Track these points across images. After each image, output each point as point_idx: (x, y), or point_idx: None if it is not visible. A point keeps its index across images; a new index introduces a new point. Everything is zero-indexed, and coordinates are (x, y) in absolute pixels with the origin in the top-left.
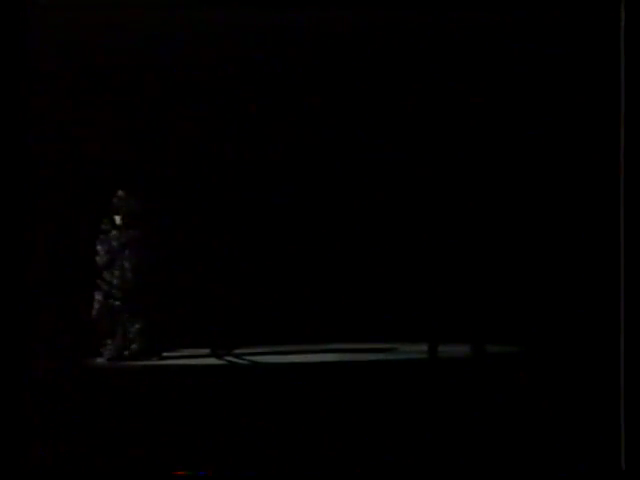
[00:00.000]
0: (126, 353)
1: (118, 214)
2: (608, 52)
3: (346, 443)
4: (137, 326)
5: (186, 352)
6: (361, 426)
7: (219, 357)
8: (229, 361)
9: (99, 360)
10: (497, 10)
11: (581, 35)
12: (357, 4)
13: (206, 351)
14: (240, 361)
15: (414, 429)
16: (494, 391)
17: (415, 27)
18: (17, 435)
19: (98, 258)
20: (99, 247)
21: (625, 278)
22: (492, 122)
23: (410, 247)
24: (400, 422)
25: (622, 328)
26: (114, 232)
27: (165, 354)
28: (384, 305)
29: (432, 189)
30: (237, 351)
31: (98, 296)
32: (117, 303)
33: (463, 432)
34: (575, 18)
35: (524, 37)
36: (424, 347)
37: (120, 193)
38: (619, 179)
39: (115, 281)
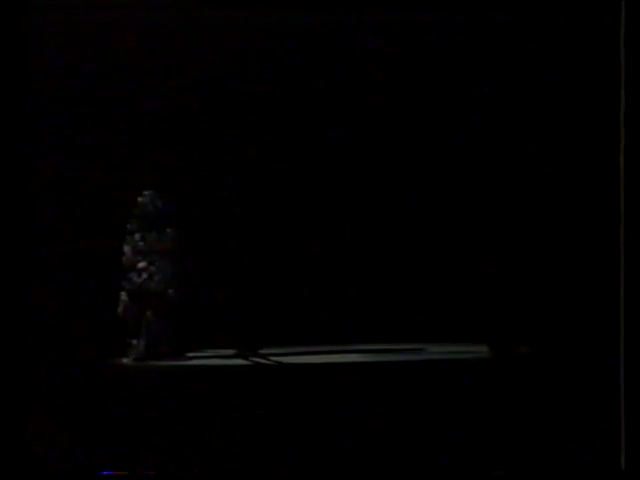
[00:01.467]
0: (151, 353)
1: (145, 215)
2: (608, 52)
3: (372, 444)
4: (162, 326)
5: (211, 352)
6: (388, 427)
7: (244, 357)
8: (254, 361)
9: (125, 360)
10: (497, 11)
11: (581, 35)
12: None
13: (231, 351)
14: (265, 361)
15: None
16: (496, 391)
17: (415, 28)
18: (39, 434)
19: (124, 259)
20: (125, 248)
21: (625, 278)
22: (492, 123)
23: (435, 249)
24: (424, 422)
25: (622, 328)
26: (140, 233)
27: (190, 354)
28: (412, 305)
29: (454, 191)
30: (262, 351)
31: (124, 297)
32: (142, 304)
33: (463, 431)
34: (575, 18)
35: (524, 37)
36: (452, 348)
37: (146, 194)
38: (619, 179)
39: (141, 282)
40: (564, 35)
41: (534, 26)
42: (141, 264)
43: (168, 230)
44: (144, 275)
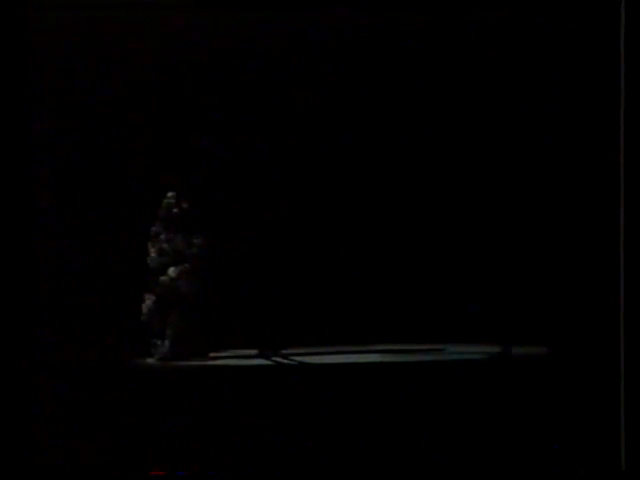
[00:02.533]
0: (176, 353)
1: (170, 217)
2: (608, 52)
3: (393, 444)
4: (186, 327)
5: (234, 353)
6: (408, 427)
7: (266, 357)
8: (276, 361)
9: (149, 360)
10: (497, 10)
11: (581, 35)
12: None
13: (254, 352)
14: (286, 361)
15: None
16: (496, 392)
17: (415, 28)
18: (64, 432)
19: (149, 260)
20: (150, 250)
21: (625, 278)
22: (492, 122)
23: (454, 250)
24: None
25: (622, 328)
26: (166, 235)
27: (213, 354)
28: (433, 305)
29: (474, 194)
30: (283, 351)
31: (149, 297)
32: (167, 304)
33: (462, 431)
34: (575, 18)
35: (523, 37)
36: (474, 348)
37: (171, 195)
38: (619, 179)
39: (166, 282)
40: (563, 35)
41: (533, 26)
42: (168, 266)
43: (194, 232)
44: (169, 276)
